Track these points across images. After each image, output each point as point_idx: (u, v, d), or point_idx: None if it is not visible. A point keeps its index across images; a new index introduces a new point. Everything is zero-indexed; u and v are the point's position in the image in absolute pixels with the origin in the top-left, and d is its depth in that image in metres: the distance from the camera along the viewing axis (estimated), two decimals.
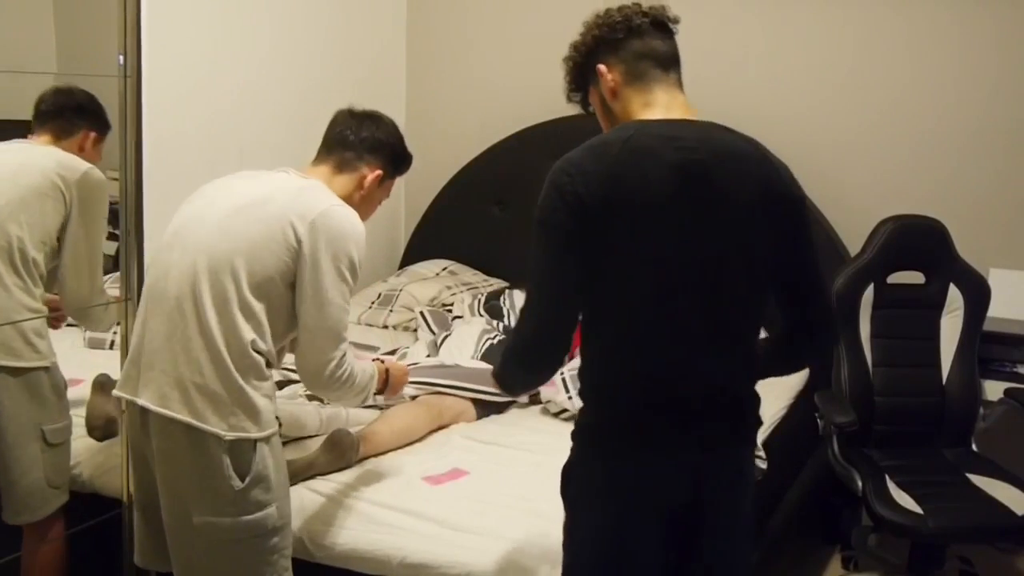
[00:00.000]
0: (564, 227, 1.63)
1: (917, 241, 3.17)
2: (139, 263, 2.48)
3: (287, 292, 2.05)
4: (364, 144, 2.22)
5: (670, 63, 1.77)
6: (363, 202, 2.22)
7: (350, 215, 2.09)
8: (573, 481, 1.78)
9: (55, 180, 2.37)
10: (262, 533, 2.03)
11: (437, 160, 4.16)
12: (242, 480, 1.99)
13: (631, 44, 1.75)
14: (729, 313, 1.71)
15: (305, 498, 2.33)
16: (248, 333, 2.01)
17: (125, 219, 2.46)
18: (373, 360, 2.34)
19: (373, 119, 2.27)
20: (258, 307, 2.02)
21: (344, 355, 2.09)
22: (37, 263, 2.36)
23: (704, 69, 3.77)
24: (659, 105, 1.74)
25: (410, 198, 4.34)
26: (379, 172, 2.23)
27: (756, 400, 1.83)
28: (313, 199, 2.07)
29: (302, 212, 2.03)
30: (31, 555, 2.48)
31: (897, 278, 3.17)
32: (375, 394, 2.31)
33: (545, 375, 1.80)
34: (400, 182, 2.39)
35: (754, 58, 3.70)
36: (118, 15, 2.37)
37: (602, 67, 1.77)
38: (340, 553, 2.21)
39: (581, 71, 1.82)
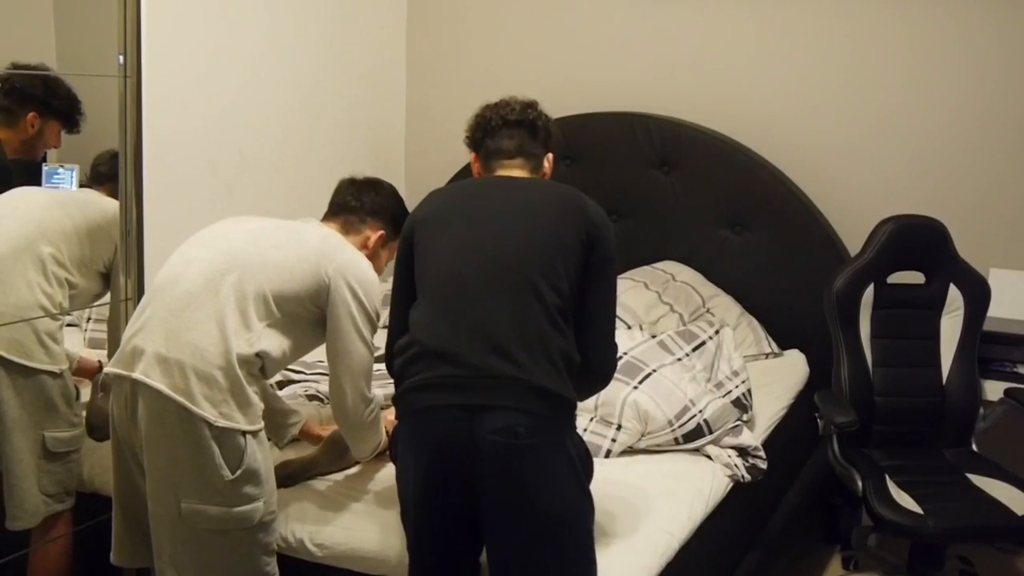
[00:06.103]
0: (400, 253, 2.13)
1: (917, 241, 3.17)
2: (139, 264, 2.49)
3: (303, 314, 2.16)
4: (366, 208, 2.39)
5: (516, 154, 2.19)
6: (370, 261, 2.32)
7: (370, 266, 2.28)
8: (395, 444, 2.07)
9: (102, 223, 2.50)
10: (248, 526, 2.06)
11: (437, 160, 4.15)
12: (232, 472, 2.02)
13: (485, 143, 2.22)
14: (510, 283, 1.93)
15: (305, 498, 2.33)
16: (257, 337, 2.07)
17: (125, 220, 2.46)
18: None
19: (374, 185, 2.45)
20: (276, 315, 2.12)
21: (374, 396, 2.27)
22: (71, 281, 2.43)
23: (705, 69, 3.77)
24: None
25: (410, 198, 4.32)
26: (381, 233, 2.40)
27: (546, 373, 1.93)
28: (337, 246, 2.23)
29: (330, 256, 2.18)
30: (37, 552, 2.49)
31: (897, 278, 3.18)
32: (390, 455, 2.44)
33: None
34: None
35: (754, 58, 3.69)
36: (118, 15, 2.38)
37: (473, 154, 2.26)
38: (340, 553, 2.21)
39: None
